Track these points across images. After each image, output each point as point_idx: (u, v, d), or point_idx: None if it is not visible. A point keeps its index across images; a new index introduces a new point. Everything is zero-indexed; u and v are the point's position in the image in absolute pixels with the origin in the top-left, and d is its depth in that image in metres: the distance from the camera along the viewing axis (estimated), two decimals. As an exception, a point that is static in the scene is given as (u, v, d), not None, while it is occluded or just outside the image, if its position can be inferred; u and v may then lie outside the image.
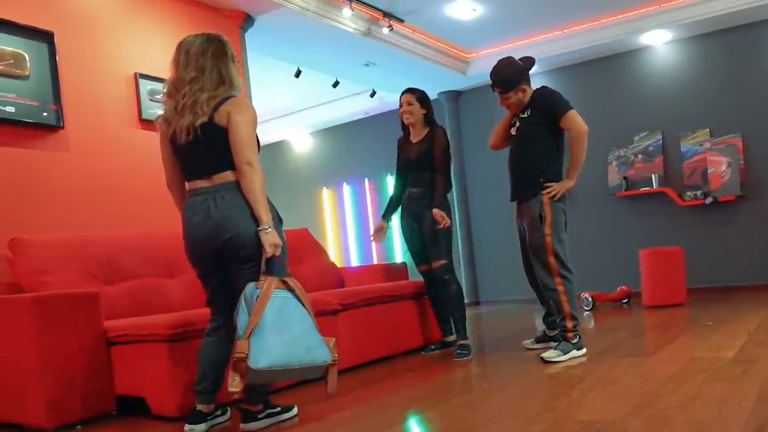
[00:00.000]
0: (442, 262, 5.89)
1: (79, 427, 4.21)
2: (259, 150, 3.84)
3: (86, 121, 5.90)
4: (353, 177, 13.36)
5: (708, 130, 9.73)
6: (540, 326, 6.29)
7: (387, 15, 8.62)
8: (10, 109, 5.32)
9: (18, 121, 5.36)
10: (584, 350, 5.26)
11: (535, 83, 5.60)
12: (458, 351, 5.76)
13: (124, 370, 4.41)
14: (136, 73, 6.36)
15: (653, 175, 9.97)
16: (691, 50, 9.92)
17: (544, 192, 5.30)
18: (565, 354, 5.10)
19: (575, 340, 5.21)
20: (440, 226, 5.80)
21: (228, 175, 3.75)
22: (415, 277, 6.56)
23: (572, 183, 5.30)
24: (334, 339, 3.88)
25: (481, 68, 10.74)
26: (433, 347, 6.25)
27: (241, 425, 3.80)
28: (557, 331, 5.39)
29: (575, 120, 5.17)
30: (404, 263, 7.22)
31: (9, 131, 5.34)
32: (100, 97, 6.06)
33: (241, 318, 3.51)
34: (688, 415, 3.23)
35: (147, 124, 6.37)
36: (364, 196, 13.24)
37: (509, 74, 5.47)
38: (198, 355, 3.92)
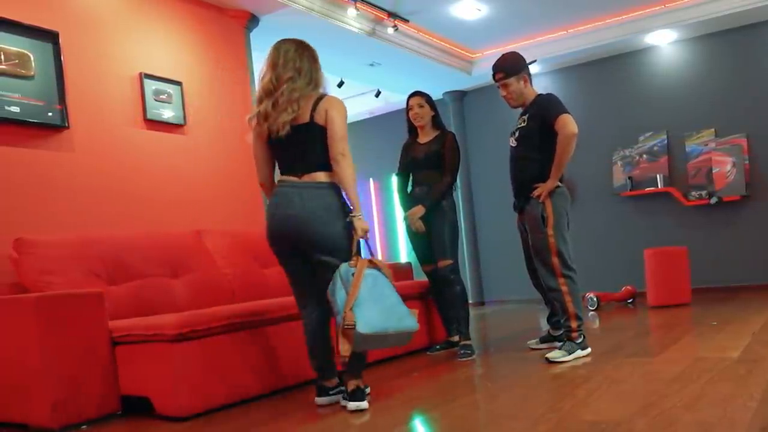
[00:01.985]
0: (448, 262, 5.90)
1: (84, 427, 4.22)
2: None
3: (91, 121, 5.90)
4: (358, 177, 13.20)
5: (713, 130, 9.72)
6: (544, 326, 6.29)
7: (392, 15, 8.62)
8: (15, 109, 5.33)
9: (23, 121, 5.36)
10: (589, 350, 5.25)
11: (540, 83, 5.62)
12: (461, 351, 5.76)
13: (128, 370, 4.42)
14: (140, 73, 6.37)
15: (658, 175, 9.96)
16: (696, 50, 9.91)
17: (532, 194, 5.31)
18: (570, 354, 5.09)
19: (580, 340, 5.20)
20: (413, 224, 6.00)
21: (320, 176, 4.13)
22: (420, 277, 6.56)
23: (553, 183, 5.27)
24: (416, 310, 4.29)
25: (485, 68, 10.68)
26: (438, 347, 6.25)
27: (356, 404, 4.05)
28: (562, 331, 5.39)
29: (565, 122, 5.16)
30: (409, 263, 7.23)
31: (14, 131, 5.34)
32: (105, 97, 6.07)
33: (339, 295, 3.94)
34: (693, 415, 3.23)
35: (152, 124, 6.39)
36: (369, 196, 13.23)
37: (512, 61, 5.53)
38: (308, 338, 4.34)
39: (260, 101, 4.14)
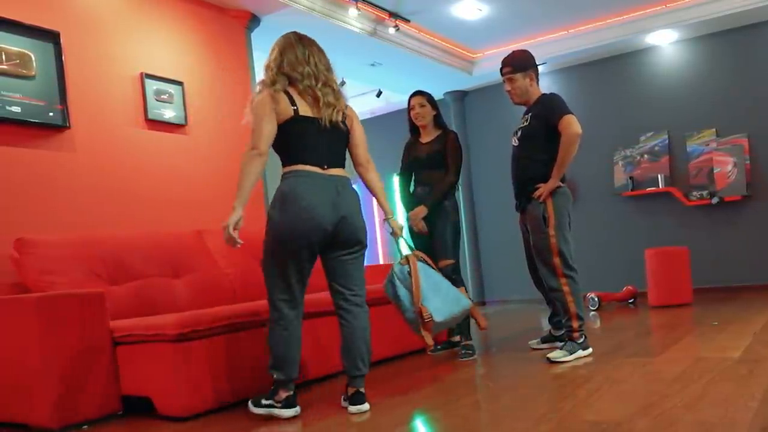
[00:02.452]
0: (450, 262, 5.89)
1: (85, 427, 4.22)
2: None
3: (92, 121, 5.90)
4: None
5: (714, 130, 9.72)
6: (546, 326, 6.29)
7: (393, 15, 8.62)
8: (16, 109, 5.33)
9: (24, 121, 5.37)
10: (590, 350, 5.26)
11: (541, 82, 5.62)
12: (463, 351, 5.77)
13: (130, 370, 4.42)
14: (142, 73, 6.37)
15: (659, 175, 9.96)
16: (697, 50, 9.91)
17: (533, 195, 5.31)
18: (571, 354, 5.09)
19: (581, 340, 5.20)
20: (415, 225, 6.00)
21: (345, 171, 4.22)
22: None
23: (555, 183, 5.27)
24: (463, 287, 5.14)
25: (486, 68, 10.75)
26: (439, 347, 6.25)
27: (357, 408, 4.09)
28: (563, 331, 5.39)
29: (569, 123, 5.15)
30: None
31: (15, 131, 5.35)
32: (106, 97, 6.07)
33: (403, 293, 4.45)
34: (694, 415, 3.23)
35: (153, 124, 6.39)
36: (370, 196, 13.15)
37: (521, 57, 5.55)
38: (292, 345, 4.08)
39: (297, 80, 4.12)
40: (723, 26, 9.53)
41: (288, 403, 4.05)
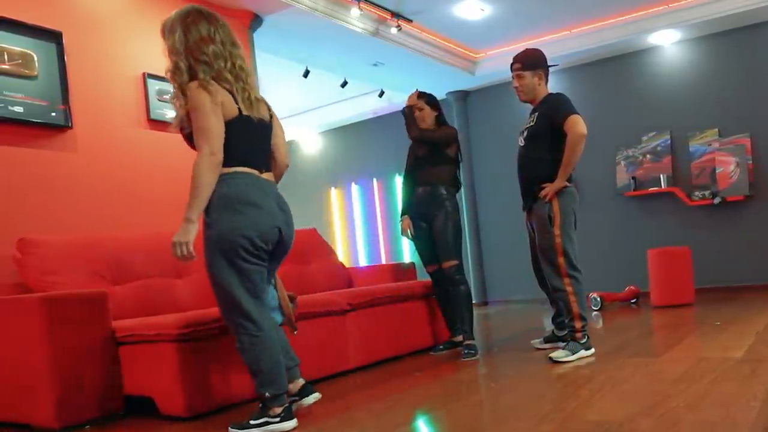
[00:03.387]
0: (453, 262, 5.90)
1: (87, 427, 4.22)
2: None
3: (94, 122, 5.91)
4: (362, 177, 13.37)
5: (716, 130, 9.71)
6: (548, 326, 6.29)
7: (395, 15, 8.62)
8: (19, 109, 5.34)
9: (26, 121, 5.38)
10: (593, 350, 5.25)
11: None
12: (465, 351, 5.76)
13: (132, 370, 4.42)
14: (144, 73, 6.37)
15: (661, 175, 9.96)
16: (700, 50, 9.90)
17: (539, 195, 5.31)
18: (574, 354, 5.09)
19: (584, 340, 5.20)
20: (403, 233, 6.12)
21: (271, 174, 3.91)
22: (424, 277, 6.56)
23: (561, 183, 5.27)
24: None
25: (489, 68, 10.74)
26: (441, 347, 6.25)
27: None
28: (566, 331, 5.39)
29: (575, 123, 5.15)
30: (413, 263, 7.23)
31: (17, 131, 5.35)
32: (109, 98, 6.08)
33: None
34: (696, 415, 3.23)
35: (155, 124, 6.39)
36: (372, 196, 13.24)
37: (532, 55, 5.56)
38: (278, 353, 3.79)
39: (223, 70, 3.69)
40: (725, 26, 9.53)
41: (287, 415, 3.72)
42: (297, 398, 3.98)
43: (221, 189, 3.57)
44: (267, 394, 3.69)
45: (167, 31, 3.77)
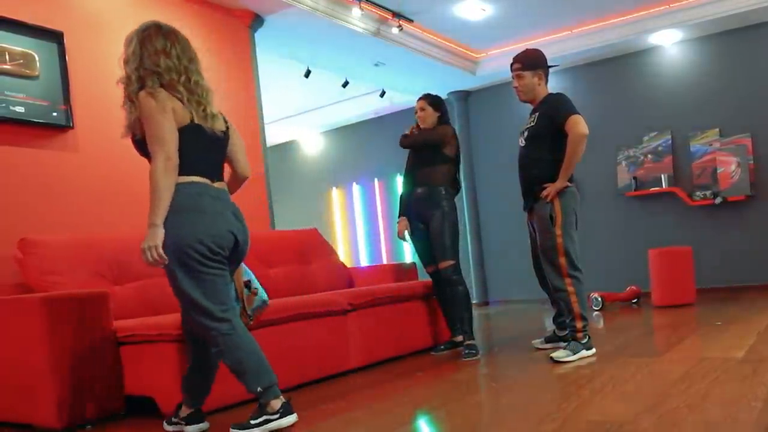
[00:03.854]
0: (450, 262, 5.91)
1: (88, 427, 4.22)
2: None
3: (95, 122, 5.91)
4: (363, 177, 13.38)
5: (717, 130, 9.71)
6: (549, 326, 6.29)
7: (396, 15, 8.62)
8: (20, 109, 5.34)
9: (27, 121, 5.38)
10: (594, 350, 5.25)
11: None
12: (466, 351, 5.76)
13: (133, 370, 4.42)
14: (145, 74, 6.37)
15: (663, 175, 9.96)
16: (701, 50, 9.90)
17: (540, 195, 5.31)
18: (575, 354, 5.09)
19: (585, 340, 5.20)
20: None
21: (224, 184, 3.92)
22: (425, 277, 6.56)
23: (562, 183, 5.27)
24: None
25: (490, 68, 10.74)
26: (442, 347, 6.24)
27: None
28: (567, 331, 5.39)
29: (576, 123, 5.16)
30: (413, 263, 7.23)
31: (18, 131, 5.36)
32: (110, 98, 6.04)
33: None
34: (697, 415, 3.23)
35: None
36: (373, 196, 13.25)
37: (532, 55, 5.57)
38: (255, 352, 3.74)
39: (175, 81, 3.72)
40: (726, 26, 9.52)
41: (286, 410, 3.68)
42: (183, 423, 3.96)
43: (174, 197, 3.60)
44: (258, 389, 3.67)
45: (126, 43, 3.84)
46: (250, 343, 3.71)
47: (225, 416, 4.27)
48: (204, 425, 3.92)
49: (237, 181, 4.14)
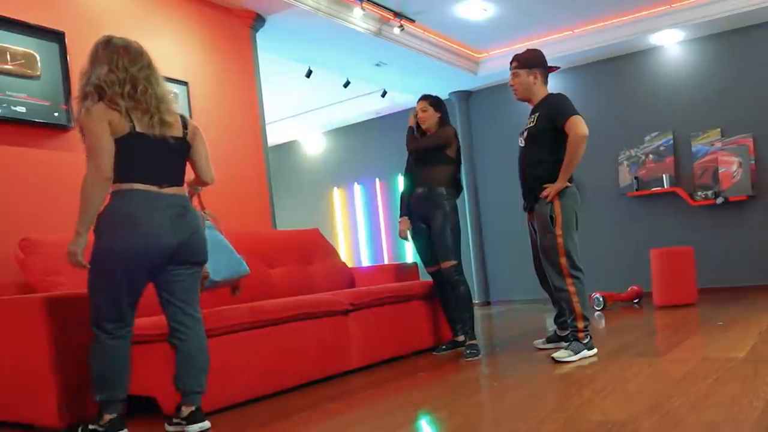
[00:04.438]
0: (452, 262, 5.91)
1: (90, 427, 4.22)
2: None
3: (97, 122, 5.90)
4: (364, 177, 13.37)
5: (719, 130, 9.71)
6: (551, 326, 6.29)
7: (398, 15, 8.62)
8: (21, 109, 5.34)
9: (29, 121, 5.38)
10: (595, 350, 5.25)
11: (549, 82, 5.62)
12: (467, 351, 5.76)
13: (135, 370, 4.39)
14: (147, 74, 6.37)
15: (664, 175, 9.95)
16: (702, 50, 9.90)
17: (540, 195, 5.31)
18: (576, 354, 5.09)
19: (586, 340, 5.20)
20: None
21: (178, 189, 3.95)
22: (426, 277, 6.56)
23: (562, 184, 5.27)
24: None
25: (491, 68, 10.74)
26: (444, 347, 6.24)
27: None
28: (568, 331, 5.39)
29: (576, 124, 5.16)
30: (415, 263, 7.22)
31: (20, 131, 5.36)
32: (112, 98, 6.07)
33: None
34: (699, 415, 3.23)
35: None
36: (375, 196, 13.24)
37: (530, 55, 5.59)
38: (116, 364, 3.89)
39: (117, 94, 3.76)
40: (728, 26, 9.52)
41: (113, 426, 3.82)
42: (183, 423, 3.95)
43: (110, 204, 3.75)
44: (98, 398, 3.84)
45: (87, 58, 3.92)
46: (113, 359, 3.85)
47: (224, 417, 4.27)
48: (205, 424, 3.92)
49: (201, 185, 4.30)
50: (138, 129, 3.75)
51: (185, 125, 4.01)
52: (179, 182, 3.96)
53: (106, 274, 3.74)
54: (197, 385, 3.94)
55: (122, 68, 3.80)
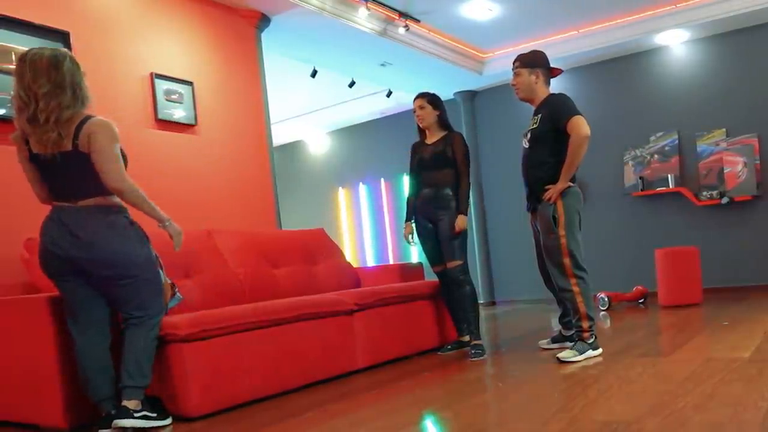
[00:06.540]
0: (458, 262, 5.91)
1: (95, 427, 4.23)
2: (126, 163, 4.08)
3: (102, 122, 5.91)
4: (369, 177, 13.38)
5: (724, 130, 9.69)
6: (556, 326, 6.29)
7: (403, 15, 8.62)
8: (27, 109, 5.34)
9: (35, 121, 5.38)
10: (600, 350, 5.25)
11: (552, 82, 5.61)
12: (473, 351, 5.77)
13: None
14: (151, 73, 6.38)
15: (669, 175, 9.94)
16: (707, 50, 9.88)
17: (543, 196, 5.31)
18: (581, 354, 5.09)
19: (591, 340, 5.20)
20: (454, 231, 5.89)
21: (93, 201, 3.98)
22: (431, 277, 6.56)
23: (564, 185, 5.27)
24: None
25: (497, 68, 10.73)
26: (449, 347, 6.24)
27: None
28: (573, 331, 5.39)
29: (577, 124, 5.15)
30: (420, 263, 7.22)
31: (26, 131, 5.36)
32: (116, 97, 6.08)
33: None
34: (704, 415, 3.22)
35: (163, 124, 6.41)
36: (380, 196, 13.24)
37: (532, 55, 5.59)
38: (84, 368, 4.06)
39: (17, 119, 3.87)
40: (733, 26, 9.50)
41: (101, 424, 4.00)
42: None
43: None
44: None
45: None
46: (84, 360, 4.04)
47: (229, 417, 4.27)
48: (166, 421, 4.13)
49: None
50: (34, 151, 3.89)
51: (77, 135, 3.87)
52: (82, 195, 3.98)
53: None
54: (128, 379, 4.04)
55: (26, 86, 3.79)
